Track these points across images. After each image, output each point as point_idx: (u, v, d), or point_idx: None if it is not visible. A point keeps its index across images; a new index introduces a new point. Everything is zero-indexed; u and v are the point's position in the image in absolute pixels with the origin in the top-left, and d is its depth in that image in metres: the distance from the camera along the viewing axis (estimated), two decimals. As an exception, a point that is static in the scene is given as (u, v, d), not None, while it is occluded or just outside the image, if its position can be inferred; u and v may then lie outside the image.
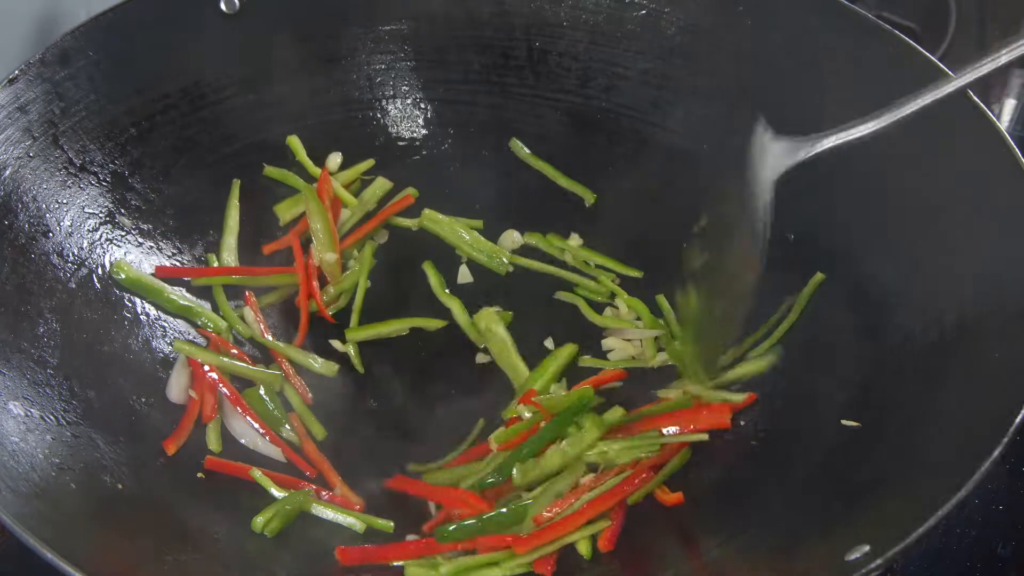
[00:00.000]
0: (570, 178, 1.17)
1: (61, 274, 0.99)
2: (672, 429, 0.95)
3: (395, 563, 0.90)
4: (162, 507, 0.90)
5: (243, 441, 1.01)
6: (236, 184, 1.12)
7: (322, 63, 1.16)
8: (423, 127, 1.19)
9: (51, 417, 0.90)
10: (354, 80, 1.17)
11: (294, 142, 1.15)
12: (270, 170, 1.14)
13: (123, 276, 1.03)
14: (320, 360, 1.06)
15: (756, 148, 0.92)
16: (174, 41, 1.09)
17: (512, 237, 1.16)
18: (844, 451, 0.90)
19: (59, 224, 1.01)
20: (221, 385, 1.02)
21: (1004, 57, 0.87)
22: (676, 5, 1.11)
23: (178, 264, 1.08)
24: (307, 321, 1.08)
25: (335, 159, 1.16)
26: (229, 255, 1.11)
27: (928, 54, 1.00)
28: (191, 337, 1.06)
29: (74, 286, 1.00)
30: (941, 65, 0.98)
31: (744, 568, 0.85)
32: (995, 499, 1.03)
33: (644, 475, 0.93)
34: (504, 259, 1.13)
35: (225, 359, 1.03)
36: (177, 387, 1.01)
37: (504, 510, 0.91)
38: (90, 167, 1.04)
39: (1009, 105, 1.33)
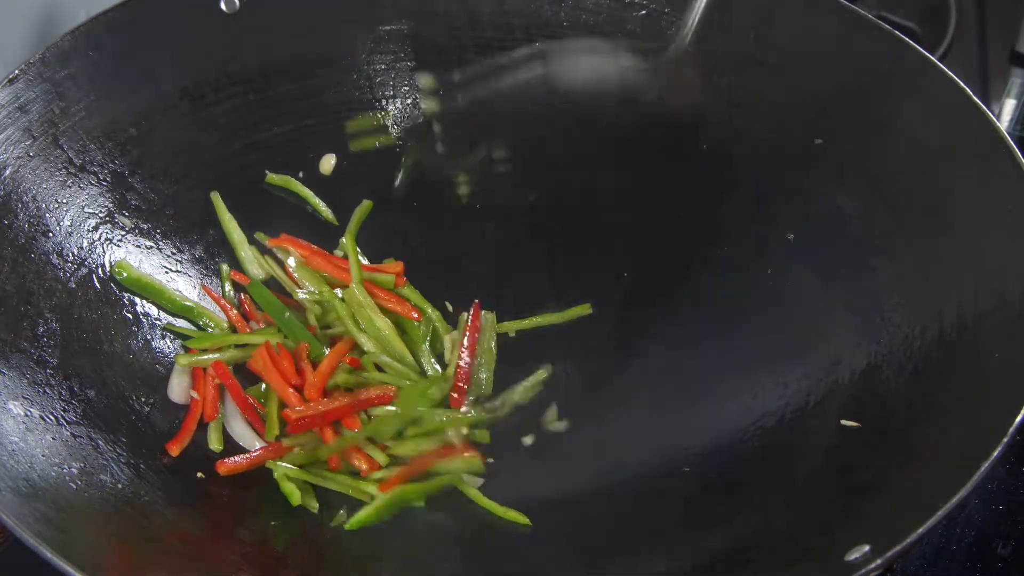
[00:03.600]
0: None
1: (61, 274, 0.99)
2: None
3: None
4: (162, 507, 0.90)
5: (242, 443, 1.00)
6: (216, 197, 1.11)
7: (322, 63, 1.16)
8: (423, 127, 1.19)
9: (51, 417, 0.90)
10: (354, 80, 1.17)
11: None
12: (272, 177, 1.14)
13: (124, 275, 1.03)
14: None
15: None
16: (174, 41, 1.09)
17: (330, 161, 1.16)
18: (844, 451, 0.90)
19: (59, 224, 1.01)
20: (223, 381, 1.02)
21: None
22: (676, 5, 1.11)
23: (178, 263, 1.08)
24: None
25: (329, 161, 1.16)
26: (253, 266, 1.10)
27: (928, 54, 1.00)
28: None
29: (74, 286, 1.00)
30: (941, 65, 0.98)
31: (744, 568, 0.85)
32: (995, 499, 1.03)
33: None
34: None
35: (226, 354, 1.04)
36: (178, 387, 1.01)
37: None
38: (90, 167, 1.04)
39: (1009, 105, 1.33)
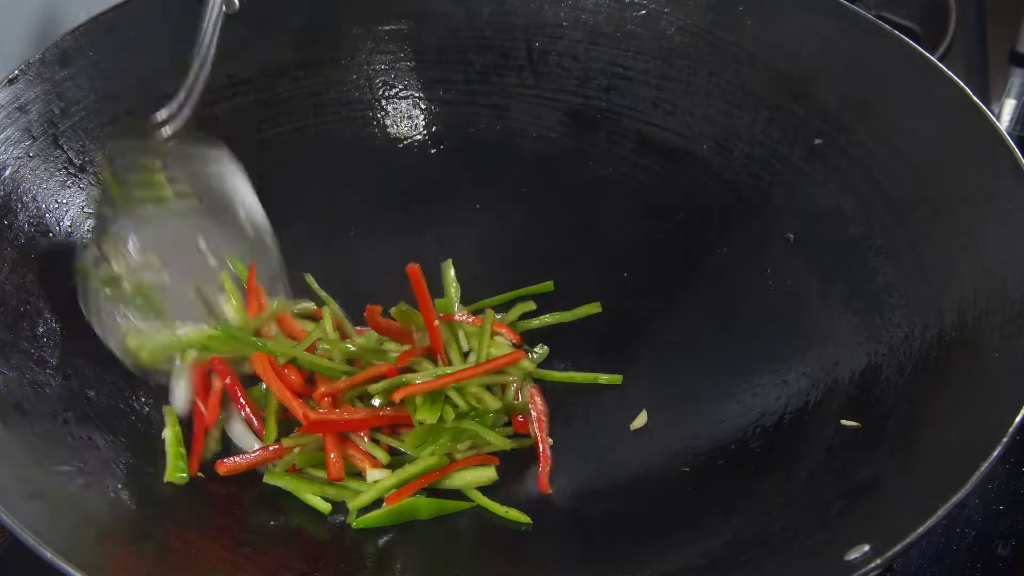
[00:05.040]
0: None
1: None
2: None
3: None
4: (162, 507, 0.90)
5: (241, 446, 1.00)
6: None
7: (322, 63, 1.16)
8: (423, 127, 1.19)
9: (51, 417, 0.90)
10: (354, 80, 1.17)
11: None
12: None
13: (124, 276, 1.03)
14: None
15: None
16: (174, 41, 1.09)
17: None
18: (844, 451, 0.90)
19: (59, 224, 1.01)
20: (223, 381, 1.01)
21: None
22: (676, 5, 1.12)
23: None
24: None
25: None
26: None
27: (928, 54, 1.00)
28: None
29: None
30: (941, 65, 0.98)
31: (744, 568, 0.85)
32: (995, 499, 1.03)
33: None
34: None
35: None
36: (181, 397, 1.00)
37: None
38: (90, 167, 1.04)
39: (1009, 105, 1.34)
